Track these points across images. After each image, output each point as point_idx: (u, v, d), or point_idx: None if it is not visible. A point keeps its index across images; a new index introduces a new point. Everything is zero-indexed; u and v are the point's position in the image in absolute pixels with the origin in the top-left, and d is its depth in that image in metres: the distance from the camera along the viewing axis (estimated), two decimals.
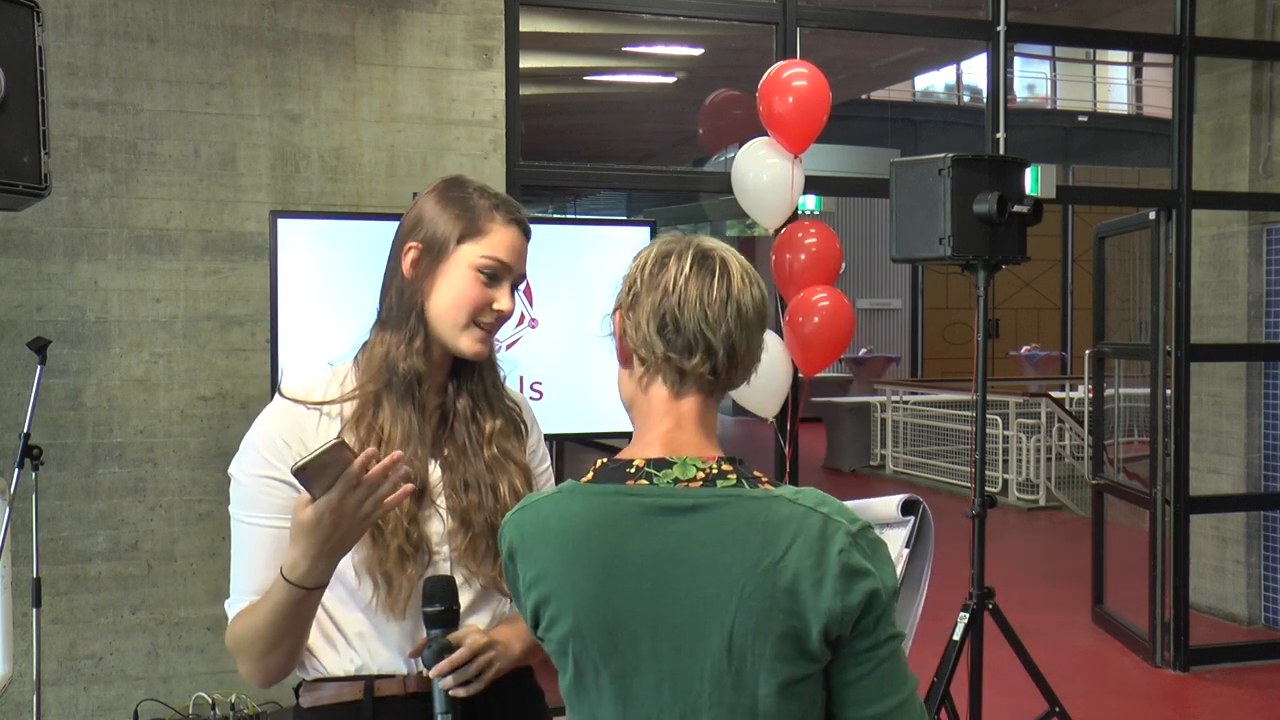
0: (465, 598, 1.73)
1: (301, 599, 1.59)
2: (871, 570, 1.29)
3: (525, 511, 1.42)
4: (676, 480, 1.34)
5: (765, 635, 1.28)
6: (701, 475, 1.35)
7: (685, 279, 1.38)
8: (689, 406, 1.40)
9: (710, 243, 1.44)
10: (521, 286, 1.84)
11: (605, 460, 1.40)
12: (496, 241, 1.75)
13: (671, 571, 1.31)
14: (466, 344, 1.75)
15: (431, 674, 1.64)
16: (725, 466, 1.36)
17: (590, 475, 1.40)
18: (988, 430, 9.96)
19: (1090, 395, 8.12)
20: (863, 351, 18.41)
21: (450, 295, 1.73)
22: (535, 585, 1.38)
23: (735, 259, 1.43)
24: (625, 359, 1.44)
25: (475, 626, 1.71)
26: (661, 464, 1.36)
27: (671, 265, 1.39)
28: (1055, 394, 11.74)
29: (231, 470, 1.74)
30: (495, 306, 1.75)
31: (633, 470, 1.37)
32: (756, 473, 1.38)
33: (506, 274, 1.77)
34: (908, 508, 1.55)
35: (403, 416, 1.72)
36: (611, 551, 1.33)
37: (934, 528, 1.58)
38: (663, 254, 1.41)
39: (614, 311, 1.45)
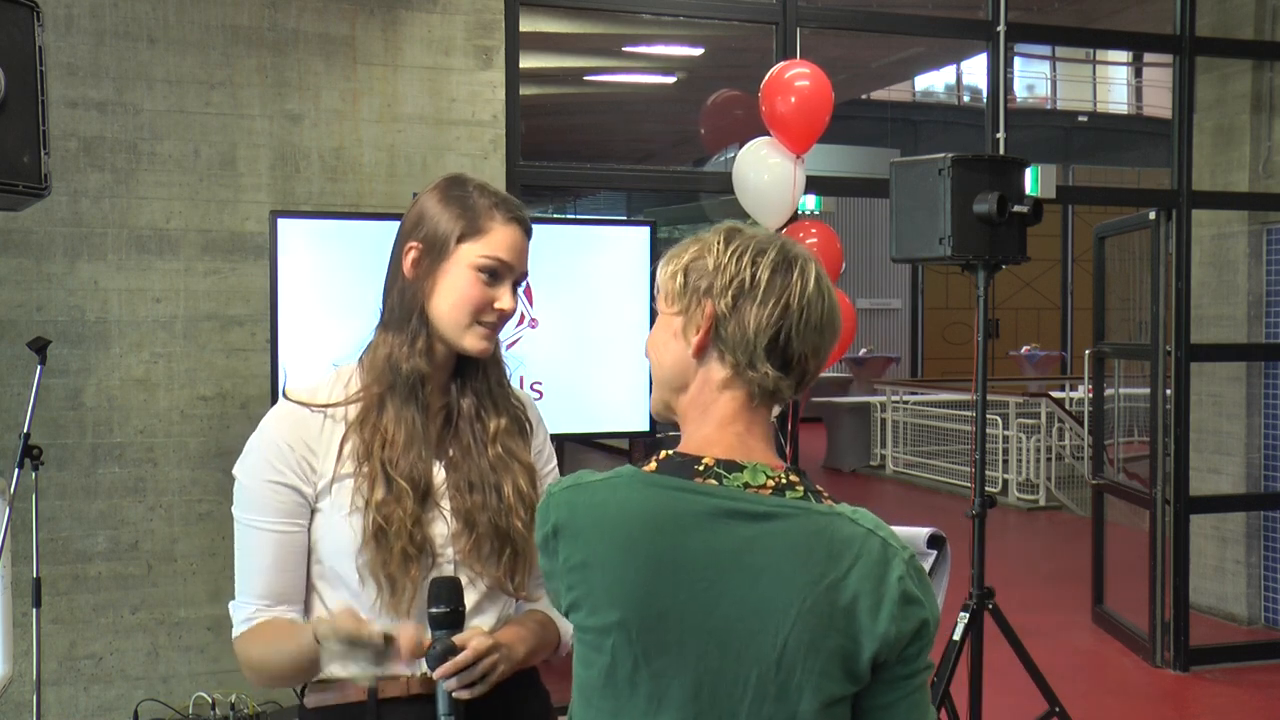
0: (470, 599, 1.73)
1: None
2: (923, 600, 1.30)
3: (578, 491, 1.37)
4: (746, 485, 1.32)
5: (818, 651, 1.27)
6: (771, 483, 1.33)
7: (808, 300, 1.36)
8: (760, 415, 1.38)
9: (802, 248, 1.40)
10: (522, 287, 1.84)
11: (670, 452, 1.37)
12: (497, 240, 1.74)
13: (731, 575, 1.29)
14: (471, 342, 1.74)
15: (435, 676, 1.63)
16: (793, 477, 1.35)
17: (653, 465, 1.36)
18: (988, 430, 9.95)
19: (1090, 395, 8.13)
20: (863, 351, 18.41)
21: (451, 295, 1.73)
22: (580, 570, 1.34)
23: (827, 276, 1.41)
24: (701, 351, 1.38)
25: (480, 628, 1.70)
26: (732, 466, 1.34)
27: (795, 277, 1.36)
28: (1055, 394, 11.74)
29: (236, 472, 1.74)
30: (496, 305, 1.74)
31: (701, 468, 1.34)
32: (819, 487, 1.36)
33: (508, 273, 1.76)
34: (932, 542, 1.57)
35: (406, 418, 1.72)
36: (669, 547, 1.30)
37: (950, 564, 1.60)
38: (782, 260, 1.36)
39: (700, 297, 1.37)
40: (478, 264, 1.73)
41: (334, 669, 1.72)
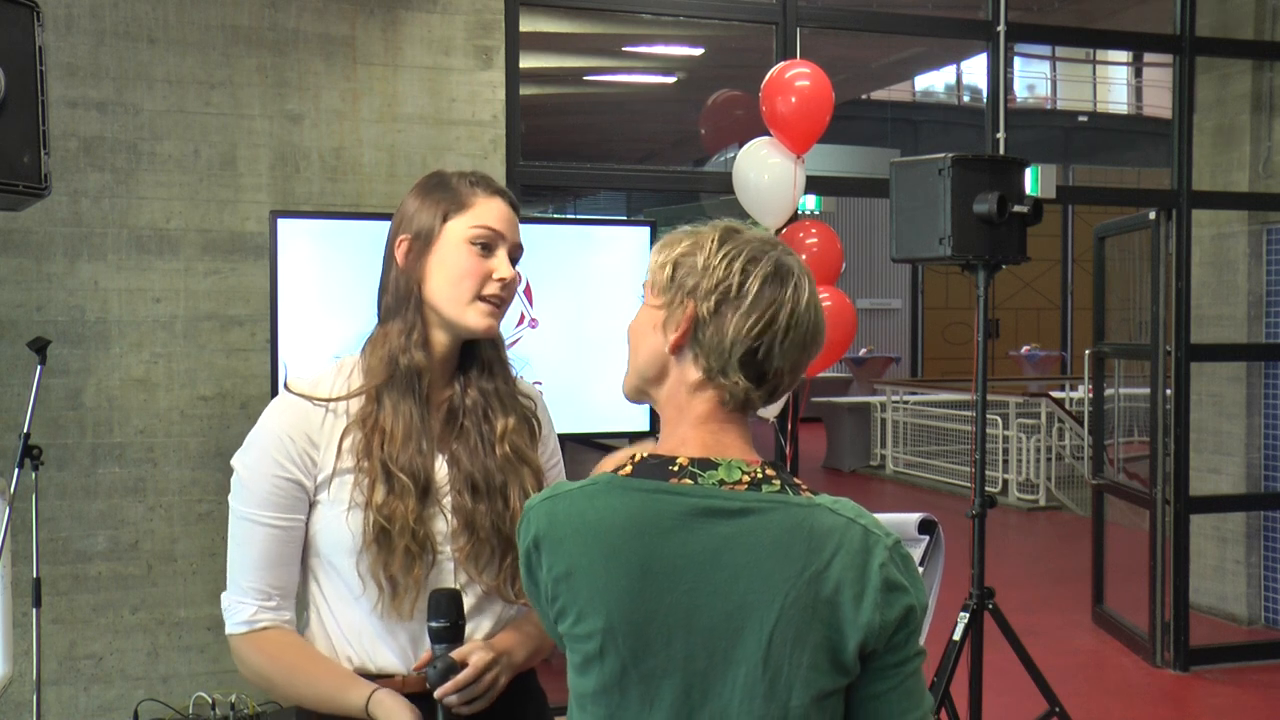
0: (469, 600, 1.72)
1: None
2: (908, 586, 1.29)
3: (557, 501, 1.35)
4: (721, 482, 1.31)
5: (803, 645, 1.26)
6: (747, 479, 1.32)
7: (796, 317, 1.33)
8: (735, 417, 1.37)
9: (797, 261, 1.38)
10: (523, 286, 1.83)
11: (645, 454, 1.36)
12: (483, 212, 1.74)
13: (712, 574, 1.28)
14: (474, 319, 1.72)
15: (437, 695, 1.62)
16: (769, 471, 1.33)
17: (629, 469, 1.36)
18: (988, 430, 9.95)
19: (1090, 395, 8.12)
20: (863, 351, 18.41)
21: (446, 272, 1.72)
22: (564, 580, 1.33)
23: (816, 291, 1.39)
24: (677, 350, 1.36)
25: (479, 642, 1.69)
26: (706, 464, 1.33)
27: (788, 293, 1.33)
28: (1055, 394, 11.73)
29: (234, 463, 1.73)
30: (496, 275, 1.73)
31: (676, 469, 1.33)
32: (797, 479, 1.35)
33: (500, 241, 1.74)
34: (924, 527, 1.56)
35: (404, 411, 1.71)
36: (650, 551, 1.30)
37: (944, 549, 1.59)
38: (774, 272, 1.33)
39: (685, 295, 1.35)
40: (469, 235, 1.72)
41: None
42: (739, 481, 1.32)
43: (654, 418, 4.29)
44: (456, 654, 1.63)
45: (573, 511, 1.34)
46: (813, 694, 1.27)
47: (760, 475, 1.33)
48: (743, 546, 1.28)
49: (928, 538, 1.57)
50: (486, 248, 1.73)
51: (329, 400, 1.73)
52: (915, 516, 1.57)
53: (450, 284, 1.71)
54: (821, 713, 1.28)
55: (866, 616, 1.25)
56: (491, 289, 1.73)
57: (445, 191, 1.75)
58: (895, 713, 1.30)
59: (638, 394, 1.43)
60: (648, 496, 1.31)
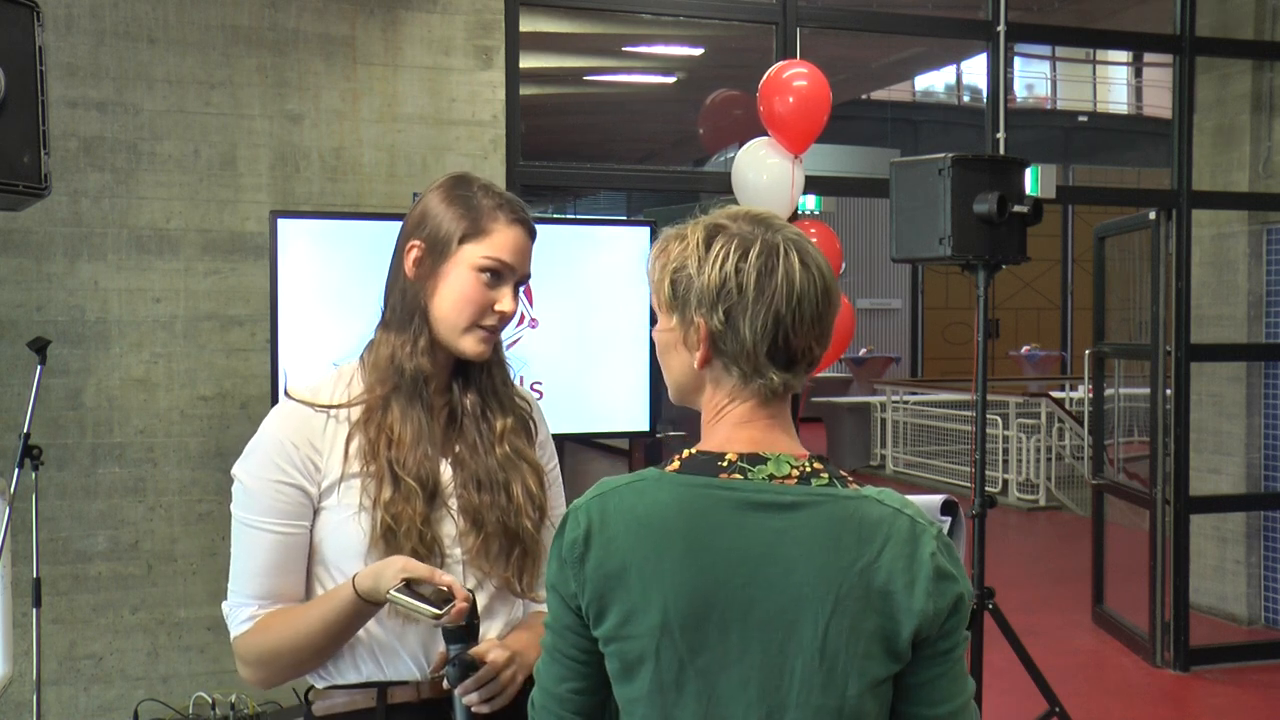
0: (479, 601, 1.71)
1: (370, 610, 1.66)
2: (956, 575, 1.31)
3: (607, 498, 1.35)
4: (771, 476, 1.32)
5: (859, 635, 1.28)
6: (796, 473, 1.33)
7: (798, 297, 1.33)
8: (776, 407, 1.38)
9: (791, 231, 1.37)
10: (522, 287, 1.83)
11: (692, 451, 1.37)
12: (499, 242, 1.73)
13: (766, 567, 1.29)
14: (468, 346, 1.74)
15: (458, 693, 1.62)
16: (817, 465, 1.35)
17: (676, 465, 1.35)
18: (988, 430, 9.95)
19: (1090, 395, 8.12)
20: (863, 351, 18.41)
21: (452, 297, 1.72)
22: (616, 577, 1.32)
23: (813, 248, 1.38)
24: (707, 363, 1.37)
25: (495, 640, 1.69)
26: (755, 459, 1.33)
27: (780, 279, 1.33)
28: (1055, 394, 11.72)
29: (236, 471, 1.72)
30: (497, 308, 1.74)
31: (725, 464, 1.33)
32: (843, 471, 1.36)
33: (510, 274, 1.75)
34: (945, 509, 1.58)
35: (412, 417, 1.71)
36: (704, 544, 1.30)
37: (964, 530, 1.61)
38: (765, 261, 1.33)
39: (692, 313, 1.35)
40: (479, 265, 1.72)
41: (340, 668, 1.71)
42: (788, 476, 1.33)
43: (654, 418, 4.30)
44: (474, 652, 1.63)
45: (623, 507, 1.34)
46: (867, 683, 1.28)
47: (809, 469, 1.34)
48: (795, 540, 1.29)
49: (949, 519, 1.59)
50: (495, 277, 1.73)
51: (331, 407, 1.73)
52: (938, 499, 1.59)
53: (452, 308, 1.72)
54: (876, 700, 1.30)
55: (920, 604, 1.27)
56: (490, 320, 1.74)
57: (468, 208, 1.74)
58: (944, 697, 1.32)
59: (683, 401, 1.44)
60: (698, 491, 1.32)
